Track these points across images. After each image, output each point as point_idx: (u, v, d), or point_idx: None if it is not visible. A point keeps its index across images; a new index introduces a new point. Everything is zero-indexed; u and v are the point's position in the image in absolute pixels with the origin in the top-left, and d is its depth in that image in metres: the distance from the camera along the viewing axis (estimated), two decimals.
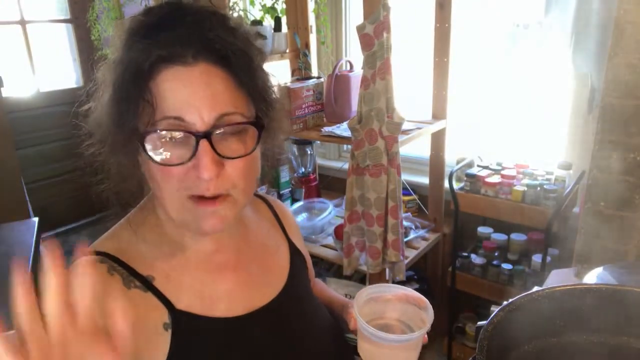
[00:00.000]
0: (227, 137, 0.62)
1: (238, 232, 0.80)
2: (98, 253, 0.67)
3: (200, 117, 0.60)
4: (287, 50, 2.32)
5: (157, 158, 0.61)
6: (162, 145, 0.61)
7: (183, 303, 0.69)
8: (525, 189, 1.75)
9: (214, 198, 0.63)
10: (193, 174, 0.61)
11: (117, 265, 0.66)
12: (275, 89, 0.72)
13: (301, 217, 2.25)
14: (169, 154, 0.61)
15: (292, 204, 2.41)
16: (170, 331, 0.66)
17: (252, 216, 0.87)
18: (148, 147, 0.61)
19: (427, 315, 0.73)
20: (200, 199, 0.63)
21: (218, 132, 0.61)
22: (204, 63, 0.61)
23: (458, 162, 2.00)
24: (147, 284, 0.67)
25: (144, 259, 0.69)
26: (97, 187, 0.69)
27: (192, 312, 0.69)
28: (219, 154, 0.61)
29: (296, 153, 2.42)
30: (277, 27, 2.29)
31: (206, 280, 0.73)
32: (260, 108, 0.67)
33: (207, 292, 0.72)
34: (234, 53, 0.62)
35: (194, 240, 0.73)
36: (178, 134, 0.60)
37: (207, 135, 0.60)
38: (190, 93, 0.60)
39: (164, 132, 0.60)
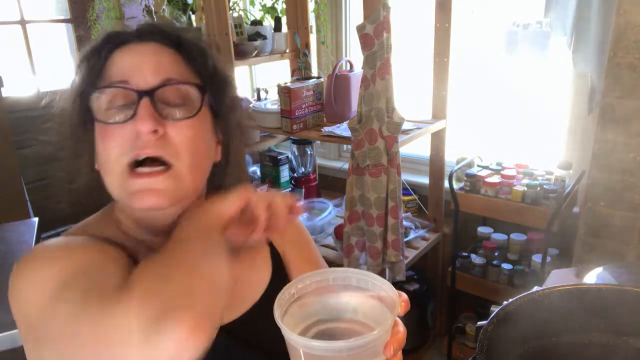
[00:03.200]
0: (171, 103, 0.63)
1: None
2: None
3: (144, 80, 0.61)
4: (287, 50, 2.33)
5: (102, 117, 0.61)
6: (107, 110, 0.62)
7: None
8: (525, 189, 1.75)
9: (149, 172, 0.60)
10: (134, 134, 0.60)
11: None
12: (234, 86, 0.74)
13: (301, 217, 2.25)
14: (113, 117, 0.61)
15: None
16: None
17: None
18: (94, 107, 0.62)
19: (390, 309, 0.49)
20: (135, 173, 0.60)
21: (160, 91, 0.61)
22: (156, 43, 0.65)
23: (458, 162, 2.00)
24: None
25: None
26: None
27: None
28: (160, 114, 0.61)
29: (296, 153, 2.42)
30: (277, 27, 2.29)
31: None
32: (209, 88, 0.67)
33: None
34: (185, 38, 0.67)
35: (150, 236, 0.69)
36: (121, 98, 0.61)
37: (149, 93, 0.60)
38: (137, 60, 0.63)
39: (107, 90, 0.61)
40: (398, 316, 0.50)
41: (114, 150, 0.61)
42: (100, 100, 0.62)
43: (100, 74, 0.64)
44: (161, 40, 0.66)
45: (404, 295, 0.51)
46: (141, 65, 0.62)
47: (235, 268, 0.74)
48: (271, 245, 0.81)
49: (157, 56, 0.64)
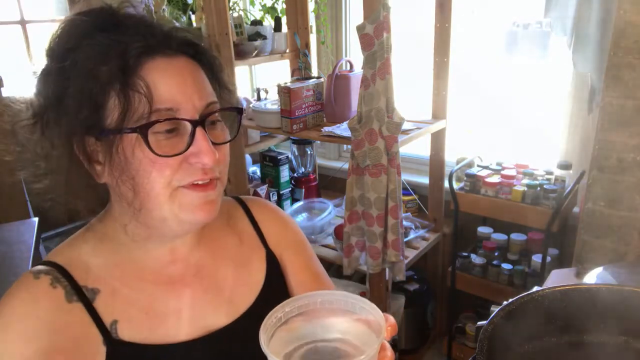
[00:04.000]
0: (211, 125, 0.63)
1: (198, 240, 0.73)
2: (48, 263, 0.65)
3: (193, 106, 0.60)
4: (287, 50, 2.33)
5: (156, 150, 0.57)
6: (155, 138, 0.58)
7: (125, 321, 0.65)
8: (525, 189, 1.75)
9: (206, 184, 0.62)
10: (186, 164, 0.60)
11: (62, 278, 0.64)
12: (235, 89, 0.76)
13: (301, 217, 2.25)
14: (164, 147, 0.58)
15: (292, 204, 2.42)
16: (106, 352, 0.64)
17: (220, 222, 0.78)
18: (142, 140, 0.57)
19: (376, 332, 0.48)
20: (194, 185, 0.61)
21: (210, 118, 0.62)
22: (183, 55, 0.62)
23: (458, 162, 2.00)
24: (88, 302, 0.64)
25: (92, 271, 0.66)
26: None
27: (129, 341, 0.64)
28: (212, 141, 0.61)
29: (296, 153, 2.42)
30: (277, 27, 2.29)
31: (156, 294, 0.68)
32: (226, 101, 0.69)
33: (156, 308, 0.67)
34: (204, 50, 0.65)
35: (150, 249, 0.68)
36: (170, 126, 0.59)
37: (201, 122, 0.60)
38: (179, 83, 0.59)
39: (159, 124, 0.57)
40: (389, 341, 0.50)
41: (166, 179, 0.59)
42: (151, 131, 0.57)
43: (132, 90, 0.56)
44: (187, 52, 0.63)
45: (391, 320, 0.50)
46: (187, 90, 0.60)
47: (230, 269, 0.75)
48: (267, 247, 0.80)
49: (194, 76, 0.62)
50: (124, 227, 0.66)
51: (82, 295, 0.64)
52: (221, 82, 0.69)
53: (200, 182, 0.61)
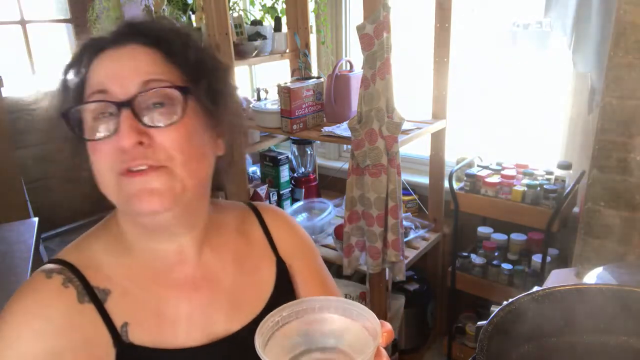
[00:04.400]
0: (154, 107, 0.60)
1: (207, 242, 0.72)
2: (60, 262, 0.65)
3: (122, 87, 0.59)
4: (287, 50, 2.33)
5: (86, 135, 0.60)
6: (92, 122, 0.60)
7: (135, 324, 0.65)
8: (525, 189, 1.75)
9: (142, 170, 0.58)
10: (120, 148, 0.58)
11: (74, 277, 0.64)
12: (224, 67, 0.70)
13: (301, 217, 2.25)
14: (99, 132, 0.59)
15: (292, 204, 2.41)
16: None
17: (231, 227, 0.78)
18: (66, 123, 0.60)
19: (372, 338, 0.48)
20: (129, 172, 0.59)
21: (140, 98, 0.59)
22: (133, 44, 0.62)
23: (458, 162, 2.00)
24: (99, 303, 0.64)
25: (103, 271, 0.66)
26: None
27: (139, 344, 0.64)
28: (143, 123, 0.58)
29: (296, 153, 2.42)
30: (277, 27, 2.29)
31: (165, 296, 0.67)
32: (193, 78, 0.64)
33: (166, 311, 0.67)
34: (164, 32, 0.64)
35: (154, 249, 0.68)
36: (102, 109, 0.59)
37: (128, 103, 0.58)
38: (113, 68, 0.60)
39: (85, 106, 0.60)
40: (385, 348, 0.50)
41: (104, 165, 0.60)
42: (83, 115, 0.61)
43: (82, 87, 0.62)
44: (139, 40, 0.63)
45: (388, 326, 0.50)
46: (118, 73, 0.60)
47: (239, 275, 0.74)
48: (277, 255, 0.79)
49: (134, 60, 0.61)
50: (123, 223, 0.68)
51: (94, 296, 0.64)
52: (186, 59, 0.64)
53: (134, 169, 0.58)
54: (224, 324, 0.70)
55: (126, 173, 0.59)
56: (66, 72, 0.64)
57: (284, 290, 0.77)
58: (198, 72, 0.65)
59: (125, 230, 0.68)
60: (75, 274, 0.64)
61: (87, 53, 0.63)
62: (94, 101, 0.60)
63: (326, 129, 1.89)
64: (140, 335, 0.65)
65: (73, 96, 0.63)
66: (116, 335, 0.63)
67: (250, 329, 0.69)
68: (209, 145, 0.67)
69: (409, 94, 2.19)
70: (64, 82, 0.64)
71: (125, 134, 0.57)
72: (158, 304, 0.67)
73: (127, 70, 0.60)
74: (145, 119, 0.59)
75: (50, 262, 0.66)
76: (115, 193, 0.61)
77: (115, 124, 0.58)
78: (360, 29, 1.58)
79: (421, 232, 2.08)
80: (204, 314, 0.69)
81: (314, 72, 2.41)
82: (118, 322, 0.64)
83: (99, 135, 0.59)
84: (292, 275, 0.80)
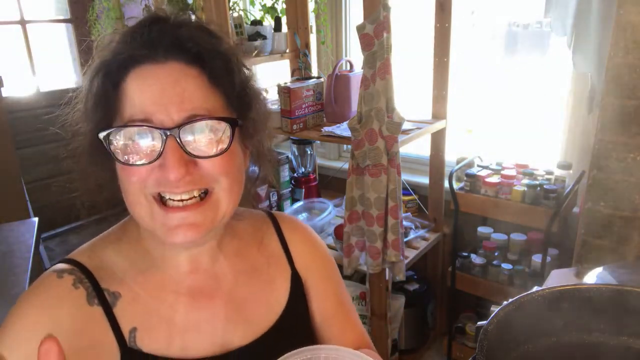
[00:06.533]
0: (199, 136, 0.58)
1: (222, 251, 0.71)
2: (72, 262, 0.65)
3: (168, 116, 0.56)
4: (287, 50, 2.32)
5: (122, 158, 0.58)
6: (129, 146, 0.58)
7: (144, 330, 0.64)
8: (525, 189, 1.75)
9: (183, 205, 0.59)
10: (159, 174, 0.57)
11: (85, 279, 0.63)
12: (259, 90, 0.69)
13: (301, 217, 2.25)
14: (135, 155, 0.58)
15: (292, 204, 2.41)
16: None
17: (248, 236, 0.77)
18: (113, 147, 0.58)
19: None
20: (169, 206, 0.59)
21: (186, 127, 0.57)
22: (175, 61, 0.59)
23: (458, 162, 2.00)
24: (108, 307, 0.63)
25: (115, 274, 0.65)
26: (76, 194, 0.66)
27: (146, 352, 0.63)
28: (188, 153, 0.57)
29: (296, 153, 2.42)
30: (277, 27, 2.29)
31: (177, 305, 0.67)
32: (237, 108, 0.64)
33: (176, 320, 0.66)
34: (207, 51, 0.60)
35: (169, 256, 0.67)
36: (145, 133, 0.57)
37: (174, 131, 0.56)
38: (158, 91, 0.57)
39: (129, 129, 0.57)
40: None
41: (138, 187, 0.59)
42: (118, 139, 0.58)
43: (115, 100, 0.59)
44: (179, 58, 0.59)
45: None
46: (164, 100, 0.57)
47: (252, 287, 0.73)
48: (293, 268, 0.78)
49: (179, 86, 0.58)
50: (142, 231, 0.67)
51: (103, 299, 0.63)
52: (231, 86, 0.62)
53: (175, 198, 0.58)
54: (234, 336, 0.69)
55: (165, 204, 0.59)
56: (93, 77, 0.60)
57: (297, 304, 0.76)
58: (243, 103, 0.64)
59: (144, 236, 0.68)
60: (86, 275, 0.64)
61: (121, 63, 0.59)
62: (138, 126, 0.57)
63: (326, 129, 1.89)
64: (148, 342, 0.64)
65: (106, 109, 0.59)
66: (122, 340, 0.63)
67: (260, 343, 0.69)
68: (243, 164, 0.67)
69: (409, 94, 2.19)
70: (94, 89, 0.60)
71: (173, 166, 0.56)
72: (169, 311, 0.66)
73: (172, 98, 0.57)
74: (191, 148, 0.58)
75: (62, 261, 0.65)
76: (147, 217, 0.60)
77: (157, 150, 0.57)
78: (360, 29, 1.58)
79: (421, 232, 2.08)
80: (215, 325, 0.68)
81: (314, 72, 2.41)
82: (126, 327, 0.63)
83: (139, 160, 0.58)
84: (307, 290, 0.78)
